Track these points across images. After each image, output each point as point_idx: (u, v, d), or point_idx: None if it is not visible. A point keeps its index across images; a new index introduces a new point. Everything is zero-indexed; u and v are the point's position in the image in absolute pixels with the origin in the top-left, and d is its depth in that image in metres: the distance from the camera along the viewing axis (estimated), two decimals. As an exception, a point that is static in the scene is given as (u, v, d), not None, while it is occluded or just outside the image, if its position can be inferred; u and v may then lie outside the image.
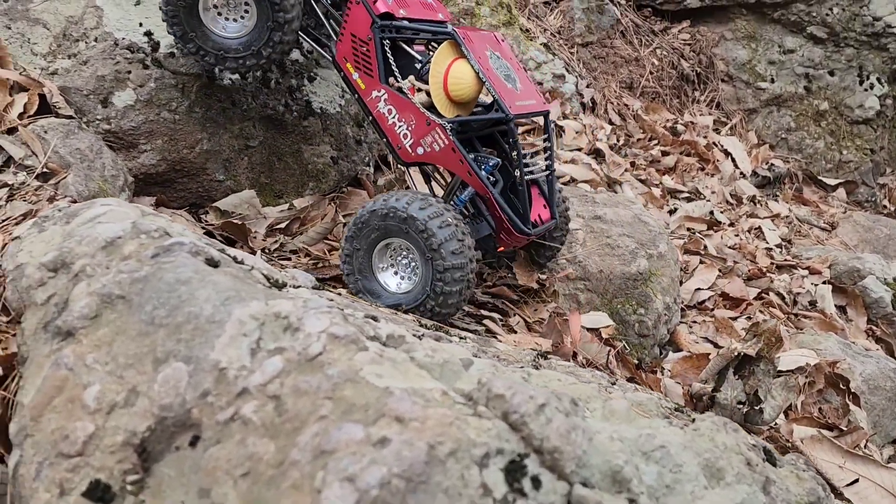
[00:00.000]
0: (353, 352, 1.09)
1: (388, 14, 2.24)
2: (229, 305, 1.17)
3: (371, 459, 0.92)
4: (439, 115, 2.15)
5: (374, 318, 1.32)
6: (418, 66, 2.25)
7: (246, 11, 2.27)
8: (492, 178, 2.24)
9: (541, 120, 2.36)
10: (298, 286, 1.50)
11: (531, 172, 2.29)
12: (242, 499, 0.98)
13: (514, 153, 2.21)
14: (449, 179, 2.31)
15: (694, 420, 1.50)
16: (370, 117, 2.25)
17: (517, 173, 2.22)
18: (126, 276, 1.26)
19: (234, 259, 1.42)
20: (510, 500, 0.95)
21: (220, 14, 2.28)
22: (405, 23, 2.25)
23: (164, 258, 1.30)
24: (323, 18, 2.37)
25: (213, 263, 1.32)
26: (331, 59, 2.31)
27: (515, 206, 2.27)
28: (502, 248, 2.30)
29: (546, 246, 2.54)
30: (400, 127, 2.19)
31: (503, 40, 2.43)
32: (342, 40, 2.26)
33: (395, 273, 2.12)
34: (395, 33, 2.24)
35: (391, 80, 2.22)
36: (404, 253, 2.10)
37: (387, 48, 2.22)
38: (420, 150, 2.17)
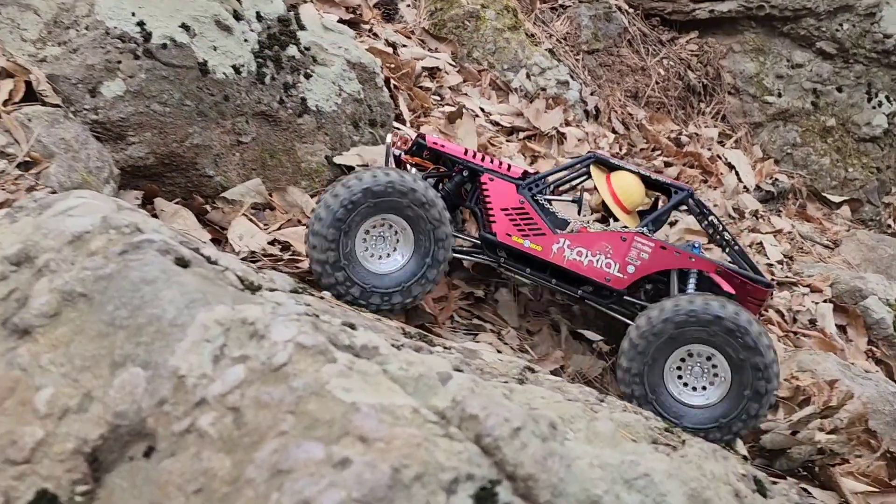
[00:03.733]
0: (320, 363, 1.03)
1: (525, 172, 2.19)
2: (193, 309, 1.11)
3: (330, 482, 0.86)
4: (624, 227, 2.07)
5: (352, 326, 1.26)
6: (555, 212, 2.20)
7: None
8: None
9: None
10: (275, 289, 1.43)
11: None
12: (193, 517, 0.92)
13: (708, 220, 2.26)
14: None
15: (684, 442, 1.43)
16: (551, 275, 2.14)
17: (722, 236, 2.26)
18: (90, 273, 1.20)
19: (208, 259, 1.36)
20: (478, 530, 0.89)
21: None
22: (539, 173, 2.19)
23: (131, 255, 1.23)
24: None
25: (182, 263, 1.26)
26: (484, 244, 2.20)
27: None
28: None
29: None
30: (598, 260, 2.08)
31: None
32: (495, 220, 2.13)
33: (686, 384, 2.00)
34: (536, 187, 2.18)
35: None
36: (701, 362, 1.97)
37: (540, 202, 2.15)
38: (631, 269, 2.06)
